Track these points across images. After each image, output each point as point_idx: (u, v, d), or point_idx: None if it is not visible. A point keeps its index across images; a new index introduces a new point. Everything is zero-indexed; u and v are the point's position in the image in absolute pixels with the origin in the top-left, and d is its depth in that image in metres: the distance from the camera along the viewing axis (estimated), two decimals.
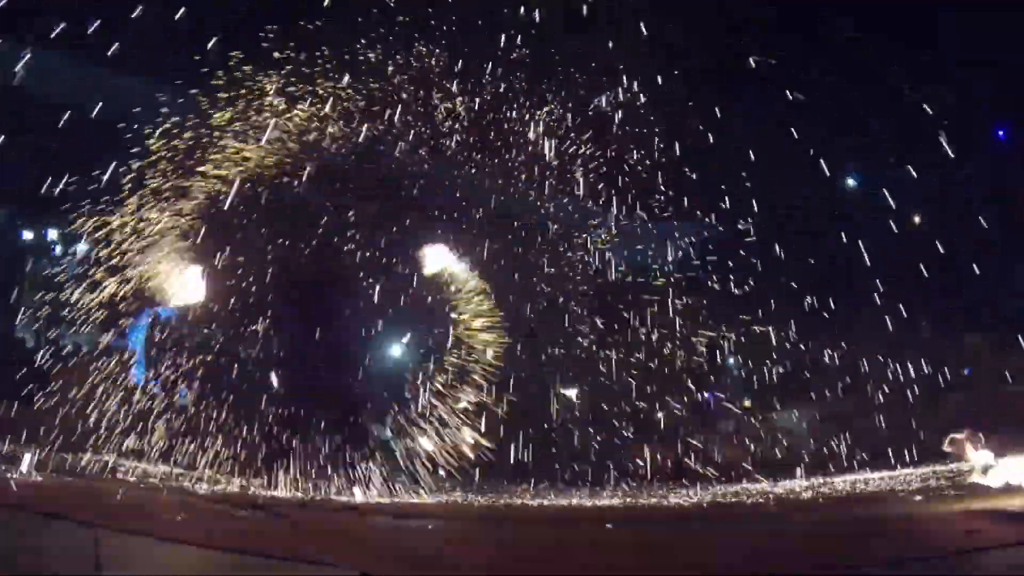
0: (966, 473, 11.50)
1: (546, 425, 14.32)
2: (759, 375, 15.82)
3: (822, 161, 14.70)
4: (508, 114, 14.66)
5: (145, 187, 13.63)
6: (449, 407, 12.88)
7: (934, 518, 9.49)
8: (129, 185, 13.60)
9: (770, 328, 15.45)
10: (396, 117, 14.04)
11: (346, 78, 13.62)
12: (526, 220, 14.93)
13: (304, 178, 13.78)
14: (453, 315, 13.68)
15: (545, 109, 14.78)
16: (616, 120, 14.93)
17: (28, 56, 13.17)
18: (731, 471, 14.09)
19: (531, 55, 14.29)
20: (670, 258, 15.65)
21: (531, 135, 14.65)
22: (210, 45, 13.16)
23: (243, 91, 13.60)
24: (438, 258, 14.15)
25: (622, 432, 14.41)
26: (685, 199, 14.91)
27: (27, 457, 12.11)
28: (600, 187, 14.82)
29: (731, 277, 14.96)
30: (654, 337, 14.91)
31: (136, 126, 13.68)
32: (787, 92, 14.03)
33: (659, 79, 14.32)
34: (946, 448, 12.02)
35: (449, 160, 14.46)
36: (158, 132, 13.49)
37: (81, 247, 15.44)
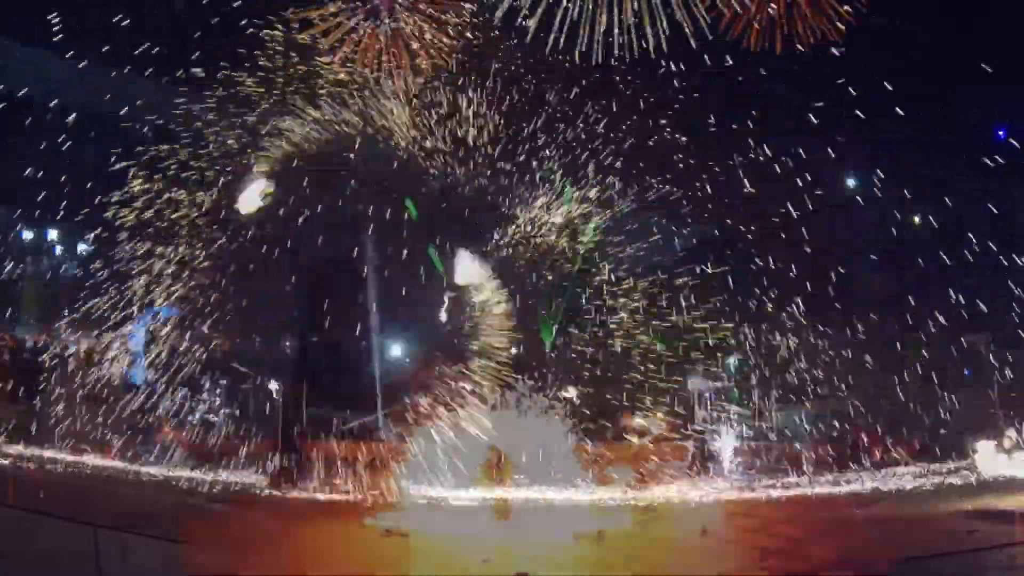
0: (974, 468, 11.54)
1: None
2: (760, 374, 15.83)
3: (823, 163, 14.70)
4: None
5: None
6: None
7: (935, 518, 9.50)
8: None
9: (771, 328, 15.47)
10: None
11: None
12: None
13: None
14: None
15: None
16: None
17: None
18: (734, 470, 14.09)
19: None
20: (677, 255, 15.61)
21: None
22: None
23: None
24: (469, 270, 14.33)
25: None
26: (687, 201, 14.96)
27: (27, 457, 12.12)
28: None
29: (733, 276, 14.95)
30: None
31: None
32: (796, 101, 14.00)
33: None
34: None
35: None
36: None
37: (82, 247, 15.44)
